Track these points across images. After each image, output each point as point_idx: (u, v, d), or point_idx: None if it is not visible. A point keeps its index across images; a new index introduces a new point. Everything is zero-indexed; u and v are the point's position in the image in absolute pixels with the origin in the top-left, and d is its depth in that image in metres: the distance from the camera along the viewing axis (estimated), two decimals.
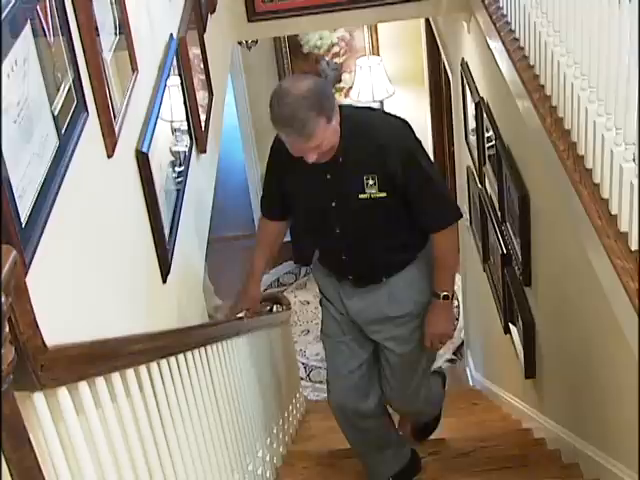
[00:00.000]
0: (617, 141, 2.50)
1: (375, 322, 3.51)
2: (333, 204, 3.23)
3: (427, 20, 7.30)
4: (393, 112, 3.52)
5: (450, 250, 3.46)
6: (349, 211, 3.24)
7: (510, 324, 4.78)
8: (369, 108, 3.54)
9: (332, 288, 3.58)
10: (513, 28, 3.77)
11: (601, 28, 2.56)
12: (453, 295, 3.50)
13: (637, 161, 2.38)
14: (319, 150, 2.98)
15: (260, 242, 3.69)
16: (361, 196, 3.17)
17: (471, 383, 7.06)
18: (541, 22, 3.26)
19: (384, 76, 7.52)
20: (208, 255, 3.92)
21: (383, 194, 3.16)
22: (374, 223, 3.28)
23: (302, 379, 6.49)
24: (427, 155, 3.30)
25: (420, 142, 3.25)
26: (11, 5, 1.63)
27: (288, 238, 7.66)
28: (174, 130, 3.38)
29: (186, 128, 3.51)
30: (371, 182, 3.15)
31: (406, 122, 3.23)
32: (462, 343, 7.58)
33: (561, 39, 3.04)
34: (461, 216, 3.49)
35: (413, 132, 3.22)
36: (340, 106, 3.12)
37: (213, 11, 4.63)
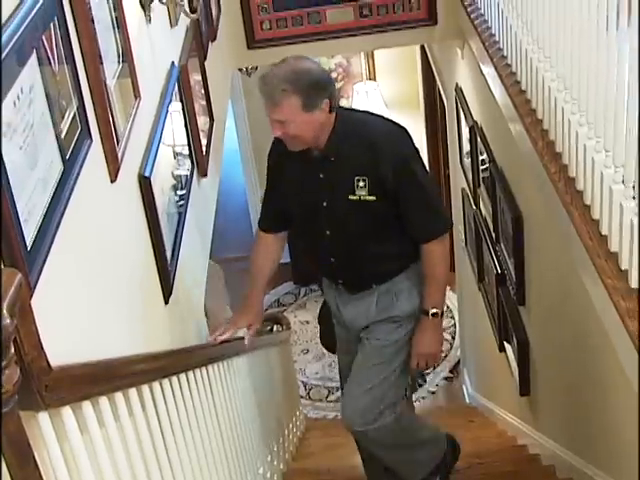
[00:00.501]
0: (607, 163, 2.51)
1: (364, 329, 3.41)
2: (324, 204, 3.17)
3: (422, 47, 7.34)
4: None
5: (439, 262, 3.28)
6: (339, 212, 3.18)
7: (505, 342, 4.77)
8: (369, 112, 3.42)
9: (332, 297, 3.52)
10: (505, 54, 3.79)
11: (590, 54, 2.58)
12: (443, 313, 3.36)
13: (636, 188, 2.39)
14: (284, 129, 2.97)
15: (257, 256, 3.54)
16: (351, 197, 3.11)
17: (467, 400, 7.05)
18: (532, 48, 3.28)
19: (381, 101, 7.56)
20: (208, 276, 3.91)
21: (372, 197, 3.10)
22: (363, 227, 3.20)
23: (302, 397, 6.47)
24: (422, 163, 3.20)
25: (417, 150, 3.17)
26: (18, 35, 1.65)
27: (288, 259, 7.68)
28: (176, 154, 3.38)
29: (188, 152, 3.52)
30: (362, 184, 3.09)
31: (404, 129, 3.17)
32: (458, 361, 7.58)
33: (551, 65, 3.05)
34: (451, 226, 3.36)
35: (410, 139, 3.15)
36: (339, 107, 3.11)
37: (214, 39, 4.65)
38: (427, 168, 3.23)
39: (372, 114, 3.33)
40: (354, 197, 3.10)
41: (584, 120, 2.71)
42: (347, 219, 3.19)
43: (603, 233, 2.55)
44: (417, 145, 3.19)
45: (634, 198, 2.34)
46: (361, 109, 3.62)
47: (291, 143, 3.06)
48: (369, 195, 3.09)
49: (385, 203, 3.11)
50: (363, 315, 3.38)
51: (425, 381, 7.25)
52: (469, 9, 4.62)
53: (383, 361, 3.37)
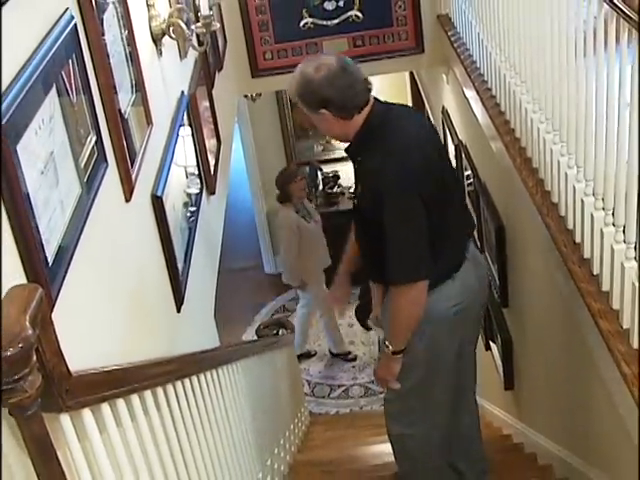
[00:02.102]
0: (578, 178, 2.52)
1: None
2: (355, 201, 3.02)
3: (411, 73, 7.36)
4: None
5: (394, 310, 2.87)
6: (356, 209, 3.01)
7: (490, 342, 4.77)
8: (407, 113, 3.02)
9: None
10: (486, 79, 3.80)
11: (562, 79, 2.59)
12: (397, 353, 2.94)
13: (605, 201, 2.40)
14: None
15: (349, 246, 3.26)
16: (357, 199, 2.96)
17: None
18: (510, 74, 3.29)
19: None
20: (218, 285, 3.91)
21: (364, 206, 2.88)
22: (364, 232, 2.97)
23: (306, 394, 6.46)
24: (402, 206, 2.69)
25: (403, 187, 2.68)
26: (39, 71, 1.65)
27: None
28: (188, 174, 3.39)
29: (197, 172, 3.53)
30: (360, 190, 2.93)
31: (407, 165, 2.69)
32: None
33: (527, 88, 3.06)
34: (412, 281, 2.75)
35: (405, 174, 2.68)
36: (386, 104, 2.87)
37: (220, 69, 4.66)
38: (410, 216, 2.69)
39: (406, 117, 2.93)
40: (357, 200, 2.98)
41: (558, 139, 2.72)
42: (357, 220, 3.04)
43: (576, 241, 2.56)
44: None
45: (603, 209, 2.34)
46: (405, 111, 3.02)
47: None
48: (364, 204, 2.89)
49: (370, 220, 2.83)
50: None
51: None
52: (452, 39, 4.64)
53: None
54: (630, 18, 1.92)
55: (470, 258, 3.01)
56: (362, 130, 2.81)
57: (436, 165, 2.82)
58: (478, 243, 4.61)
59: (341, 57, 2.79)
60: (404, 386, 3.11)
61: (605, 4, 2.09)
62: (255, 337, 5.89)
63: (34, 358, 1.27)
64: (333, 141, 7.86)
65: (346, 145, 2.91)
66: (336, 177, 7.75)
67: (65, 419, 1.48)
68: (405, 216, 2.71)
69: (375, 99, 2.84)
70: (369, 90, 2.81)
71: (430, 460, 3.38)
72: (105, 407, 1.67)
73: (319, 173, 7.60)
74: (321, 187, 7.61)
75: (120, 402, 1.76)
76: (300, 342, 6.82)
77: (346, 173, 7.74)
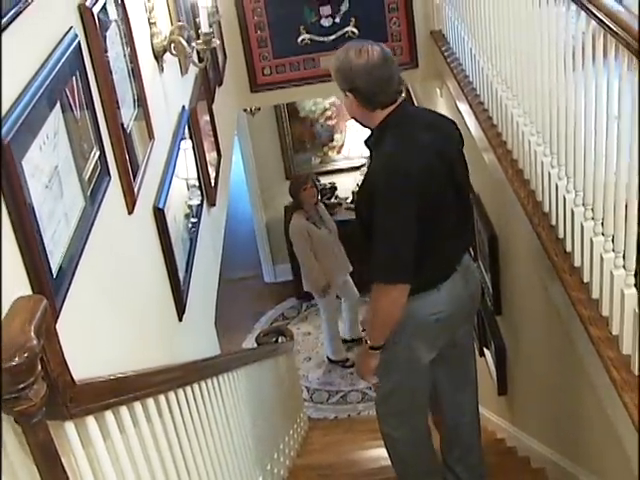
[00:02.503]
0: (568, 188, 2.52)
1: None
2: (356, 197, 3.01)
3: (406, 87, 7.36)
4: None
5: (374, 308, 2.85)
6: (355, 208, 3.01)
7: (484, 348, 4.77)
8: (432, 124, 2.92)
9: None
10: (478, 93, 3.81)
11: (551, 93, 2.59)
12: (375, 348, 2.92)
13: (595, 211, 2.40)
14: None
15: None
16: (357, 194, 2.93)
17: None
18: (501, 88, 3.30)
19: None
20: (219, 294, 3.91)
21: (359, 200, 2.89)
22: (362, 233, 2.88)
23: (305, 400, 6.45)
24: (391, 206, 2.67)
25: (396, 189, 2.65)
26: (44, 88, 1.66)
27: (290, 277, 7.69)
28: (189, 187, 3.39)
29: (198, 184, 3.53)
30: (360, 184, 2.91)
31: (398, 164, 2.70)
32: None
33: (518, 102, 3.07)
34: (392, 282, 2.72)
35: (398, 176, 2.66)
36: (408, 104, 2.82)
37: (220, 84, 4.67)
38: (398, 217, 2.66)
39: (412, 135, 2.81)
40: (356, 196, 2.93)
41: (548, 151, 2.72)
42: (356, 221, 2.99)
43: (567, 250, 2.57)
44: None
45: (593, 219, 2.35)
46: (431, 122, 2.93)
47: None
48: (359, 198, 2.90)
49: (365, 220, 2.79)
50: None
51: None
52: (445, 54, 4.65)
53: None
54: (617, 34, 1.93)
55: (461, 271, 2.96)
56: (379, 126, 2.83)
57: (439, 179, 2.76)
58: (472, 252, 4.61)
59: (386, 50, 2.78)
60: (385, 387, 3.13)
61: (593, 21, 2.11)
62: (255, 345, 5.88)
63: (39, 367, 1.27)
64: (330, 153, 7.87)
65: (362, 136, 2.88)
66: (333, 188, 7.76)
67: (69, 427, 1.48)
68: (391, 214, 2.68)
69: (404, 101, 2.85)
70: (399, 92, 2.82)
71: (420, 464, 3.37)
72: (109, 414, 1.67)
73: (317, 184, 7.61)
74: (319, 198, 7.63)
75: (123, 409, 1.76)
76: (335, 349, 6.84)
77: (343, 184, 7.75)
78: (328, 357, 6.97)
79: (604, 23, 2.01)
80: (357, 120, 2.93)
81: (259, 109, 7.30)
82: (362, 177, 2.90)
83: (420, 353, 3.01)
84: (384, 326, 2.86)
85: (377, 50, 2.74)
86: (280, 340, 5.72)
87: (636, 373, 2.08)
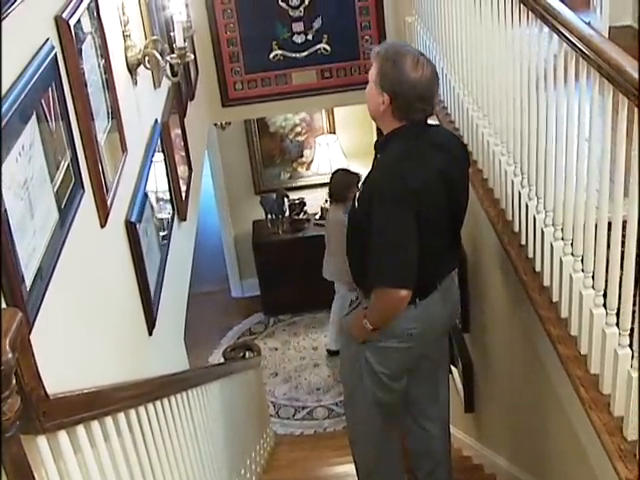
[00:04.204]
0: (538, 209, 2.55)
1: None
2: (356, 202, 2.94)
3: None
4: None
5: (373, 307, 2.89)
6: (352, 210, 2.99)
7: (452, 366, 4.78)
8: (441, 145, 2.91)
9: None
10: (449, 112, 3.85)
11: (522, 113, 2.63)
12: (375, 330, 2.93)
13: (564, 231, 2.43)
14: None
15: None
16: (358, 198, 2.91)
17: None
18: (472, 107, 3.34)
19: (340, 152, 7.59)
20: (187, 308, 3.89)
21: (359, 203, 2.87)
22: (356, 236, 2.96)
23: (271, 415, 6.42)
24: (388, 211, 2.69)
25: (395, 195, 2.68)
26: (20, 99, 1.65)
27: (258, 292, 7.67)
28: (158, 200, 3.37)
29: (169, 198, 3.52)
30: (362, 187, 2.91)
31: (400, 172, 2.73)
32: None
33: (489, 122, 3.11)
34: (389, 285, 2.76)
35: (397, 181, 2.70)
36: (409, 125, 2.79)
37: (192, 98, 4.67)
38: (394, 222, 2.70)
39: (420, 151, 2.83)
40: (357, 199, 2.91)
41: (518, 171, 2.76)
42: (351, 223, 3.04)
43: (537, 269, 2.59)
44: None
45: (562, 239, 2.38)
46: (440, 143, 2.91)
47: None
48: (360, 201, 2.87)
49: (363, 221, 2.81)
50: None
51: None
52: None
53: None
54: (589, 57, 1.97)
55: (441, 291, 2.98)
56: (392, 133, 2.83)
57: (437, 201, 2.77)
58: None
59: (435, 69, 2.76)
60: (349, 384, 3.20)
61: (565, 43, 2.14)
62: (222, 360, 5.85)
63: (14, 381, 1.26)
64: (299, 169, 7.88)
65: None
66: (302, 204, 7.76)
67: (42, 441, 1.46)
68: (388, 218, 2.70)
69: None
70: (428, 115, 2.81)
71: (385, 474, 3.39)
72: (80, 429, 1.66)
73: (285, 200, 7.60)
74: (287, 213, 7.61)
75: (95, 424, 1.74)
76: (336, 337, 6.68)
77: (312, 200, 7.75)
78: (329, 350, 6.96)
79: (576, 46, 2.04)
80: (372, 114, 2.89)
81: (229, 123, 7.30)
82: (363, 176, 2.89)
83: (390, 360, 3.04)
84: (382, 323, 2.91)
85: (430, 68, 2.73)
86: (247, 355, 5.70)
87: (604, 392, 2.11)
